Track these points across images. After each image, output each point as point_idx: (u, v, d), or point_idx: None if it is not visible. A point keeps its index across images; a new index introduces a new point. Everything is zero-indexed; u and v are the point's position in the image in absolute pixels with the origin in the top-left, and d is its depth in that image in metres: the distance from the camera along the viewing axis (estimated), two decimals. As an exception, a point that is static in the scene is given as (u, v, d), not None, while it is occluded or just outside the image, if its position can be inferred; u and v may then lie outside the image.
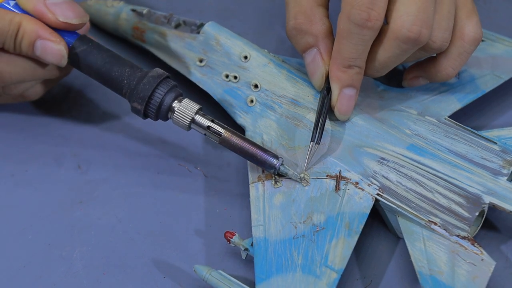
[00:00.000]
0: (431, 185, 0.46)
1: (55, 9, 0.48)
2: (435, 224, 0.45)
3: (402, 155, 0.47)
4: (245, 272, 0.46)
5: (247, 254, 0.45)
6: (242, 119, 0.52)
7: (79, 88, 0.59)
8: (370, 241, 0.48)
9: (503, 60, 0.56)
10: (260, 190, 0.47)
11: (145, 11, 0.58)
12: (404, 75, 0.53)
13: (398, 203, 0.46)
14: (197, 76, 0.54)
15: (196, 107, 0.47)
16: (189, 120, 0.47)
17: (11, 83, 0.51)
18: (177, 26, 0.56)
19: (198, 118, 0.47)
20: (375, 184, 0.47)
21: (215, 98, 0.53)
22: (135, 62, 0.49)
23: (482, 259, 0.43)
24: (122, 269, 0.47)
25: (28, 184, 0.52)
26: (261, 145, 0.49)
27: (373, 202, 0.46)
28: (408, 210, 0.45)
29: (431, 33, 0.46)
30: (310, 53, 0.49)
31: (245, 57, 0.52)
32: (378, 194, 0.46)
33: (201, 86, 0.54)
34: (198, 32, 0.54)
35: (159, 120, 0.49)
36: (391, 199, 0.46)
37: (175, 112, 0.47)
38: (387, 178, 0.47)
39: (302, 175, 0.47)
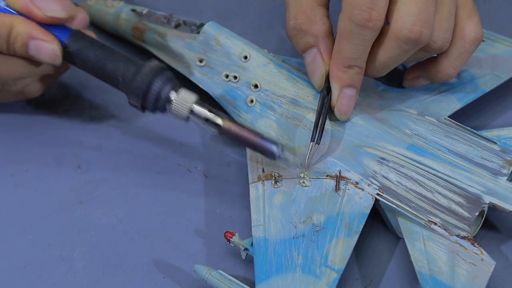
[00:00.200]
0: (431, 185, 0.46)
1: (41, 4, 0.48)
2: (435, 224, 0.45)
3: (402, 155, 0.47)
4: (245, 272, 0.46)
5: (247, 254, 0.45)
6: (242, 119, 0.52)
7: (79, 88, 0.59)
8: (370, 241, 0.48)
9: (503, 60, 0.56)
10: (260, 190, 0.47)
11: (145, 11, 0.58)
12: (404, 76, 0.53)
13: (398, 203, 0.46)
14: (197, 76, 0.54)
15: (193, 96, 0.47)
16: (187, 110, 0.47)
17: (9, 80, 0.51)
18: (177, 26, 0.56)
19: (197, 108, 0.47)
20: (375, 184, 0.47)
21: (215, 98, 0.53)
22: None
23: (482, 259, 0.43)
24: (122, 269, 0.47)
25: (28, 184, 0.52)
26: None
27: (373, 202, 0.46)
28: (408, 210, 0.45)
29: (432, 33, 0.46)
30: (310, 53, 0.49)
31: (245, 57, 0.52)
32: (378, 194, 0.46)
33: (201, 86, 0.54)
34: (198, 32, 0.54)
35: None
36: (391, 199, 0.46)
37: (173, 103, 0.47)
38: (387, 178, 0.47)
39: (302, 170, 0.47)
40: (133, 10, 0.58)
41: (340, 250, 0.44)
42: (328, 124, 0.49)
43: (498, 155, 0.48)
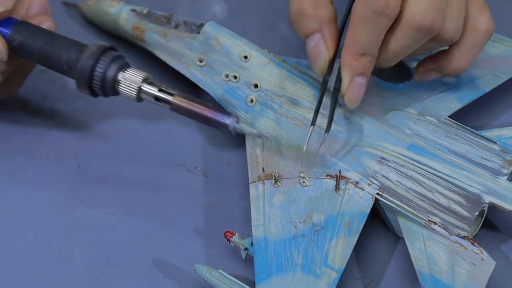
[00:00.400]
0: (431, 185, 0.46)
1: None
2: (435, 223, 0.45)
3: (402, 155, 0.47)
4: (245, 271, 0.46)
5: (247, 253, 0.45)
6: (242, 119, 0.52)
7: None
8: (370, 241, 0.48)
9: (503, 60, 0.56)
10: (260, 189, 0.47)
11: (145, 11, 0.58)
12: (415, 69, 0.52)
13: (398, 202, 0.46)
14: (197, 76, 0.54)
15: (141, 75, 0.45)
16: (136, 90, 0.45)
17: None
18: (177, 26, 0.56)
19: (145, 87, 0.45)
20: (375, 184, 0.47)
21: (215, 97, 0.53)
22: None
23: (482, 259, 0.43)
24: (122, 269, 0.47)
25: (28, 184, 0.52)
26: (261, 144, 0.49)
27: (373, 201, 0.46)
28: (408, 210, 0.45)
29: (443, 23, 0.45)
30: (313, 38, 0.48)
31: (245, 57, 0.52)
32: (378, 194, 0.46)
33: (201, 86, 0.54)
34: (198, 32, 0.54)
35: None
36: (391, 198, 0.46)
37: (121, 84, 0.46)
38: (387, 178, 0.47)
39: (262, 133, 0.46)
40: (133, 10, 0.58)
41: (340, 250, 0.44)
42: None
43: (498, 155, 0.48)
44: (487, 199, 0.45)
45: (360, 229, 0.45)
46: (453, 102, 0.52)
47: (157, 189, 0.52)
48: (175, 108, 0.45)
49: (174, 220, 0.50)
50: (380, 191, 0.46)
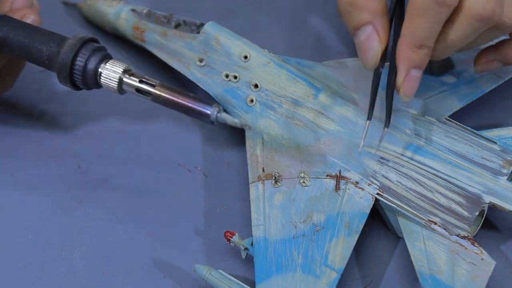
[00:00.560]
0: (431, 185, 0.46)
1: None
2: (435, 223, 0.45)
3: (402, 155, 0.47)
4: (245, 271, 0.46)
5: (247, 253, 0.45)
6: (242, 119, 0.52)
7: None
8: (370, 241, 0.48)
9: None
10: (260, 189, 0.47)
11: (145, 11, 0.58)
12: (475, 61, 0.51)
13: (398, 202, 0.46)
14: (197, 76, 0.54)
15: (122, 66, 0.45)
16: (117, 82, 0.45)
17: None
18: (177, 26, 0.56)
19: (127, 79, 0.45)
20: (375, 184, 0.47)
21: (215, 97, 0.53)
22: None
23: (482, 259, 0.43)
24: (122, 269, 0.47)
25: (28, 184, 0.52)
26: (261, 144, 0.49)
27: (373, 201, 0.46)
28: (408, 210, 0.45)
29: (502, 11, 0.44)
30: (365, 30, 0.46)
31: (245, 57, 0.52)
32: (378, 194, 0.46)
33: (201, 86, 0.54)
34: (198, 32, 0.54)
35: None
36: (391, 198, 0.46)
37: (102, 76, 0.45)
38: (387, 178, 0.47)
39: (244, 122, 0.45)
40: (133, 10, 0.58)
41: (340, 250, 0.44)
42: (328, 124, 0.49)
43: (498, 155, 0.48)
44: (487, 199, 0.45)
45: (360, 229, 0.45)
46: (453, 102, 0.52)
47: (157, 189, 0.52)
48: (156, 99, 0.44)
49: (174, 220, 0.50)
50: (380, 191, 0.46)
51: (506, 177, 0.46)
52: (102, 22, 0.62)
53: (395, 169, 0.47)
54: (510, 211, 0.45)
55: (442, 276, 0.42)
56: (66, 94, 0.59)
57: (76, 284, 0.46)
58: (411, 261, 0.44)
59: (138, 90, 0.44)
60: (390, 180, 0.47)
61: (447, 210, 0.45)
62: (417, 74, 0.46)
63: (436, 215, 0.45)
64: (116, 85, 0.45)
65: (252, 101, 0.52)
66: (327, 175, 0.48)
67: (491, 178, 0.46)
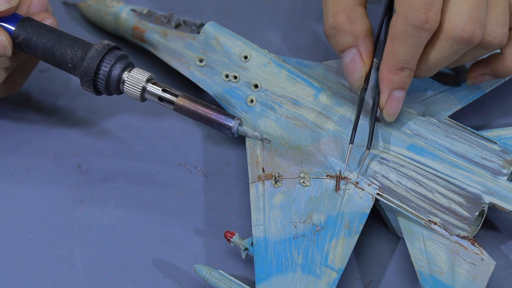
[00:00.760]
0: (431, 185, 0.46)
1: None
2: (435, 223, 0.45)
3: (402, 155, 0.47)
4: (245, 271, 0.46)
5: (247, 253, 0.45)
6: (242, 119, 0.52)
7: (79, 87, 0.59)
8: (370, 241, 0.48)
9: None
10: (260, 189, 0.47)
11: (145, 11, 0.58)
12: (468, 74, 0.52)
13: (398, 202, 0.46)
14: (197, 76, 0.54)
15: (146, 75, 0.46)
16: (140, 89, 0.46)
17: None
18: (177, 26, 0.56)
19: (150, 87, 0.46)
20: (375, 184, 0.47)
21: (215, 98, 0.53)
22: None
23: (482, 259, 0.43)
24: (122, 269, 0.47)
25: (28, 184, 0.52)
26: (261, 144, 0.49)
27: (373, 202, 0.46)
28: (408, 210, 0.45)
29: (484, 32, 0.45)
30: (349, 53, 0.48)
31: (245, 57, 0.52)
32: (378, 194, 0.46)
33: (201, 86, 0.54)
34: (198, 32, 0.54)
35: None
36: (391, 198, 0.46)
37: (125, 83, 0.46)
38: (387, 178, 0.47)
39: (264, 136, 0.46)
40: (133, 10, 0.58)
41: (340, 250, 0.44)
42: (329, 124, 0.49)
43: (498, 155, 0.48)
44: (487, 199, 0.45)
45: (360, 229, 0.45)
46: (453, 102, 0.52)
47: (157, 189, 0.52)
48: (178, 109, 0.46)
49: (174, 220, 0.50)
50: (380, 191, 0.46)
51: (506, 177, 0.46)
52: (102, 22, 0.62)
53: (395, 169, 0.47)
54: (510, 211, 0.45)
55: (442, 276, 0.42)
56: (66, 94, 0.59)
57: (76, 284, 0.46)
58: (411, 261, 0.44)
59: (161, 98, 0.46)
60: (390, 180, 0.47)
61: (447, 210, 0.45)
62: (400, 95, 0.47)
63: (436, 215, 0.45)
64: (139, 93, 0.46)
65: (252, 101, 0.52)
66: (327, 175, 0.48)
67: (491, 178, 0.46)
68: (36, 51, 0.48)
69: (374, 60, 0.49)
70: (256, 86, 0.52)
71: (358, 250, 0.47)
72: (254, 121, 0.51)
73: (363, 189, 0.47)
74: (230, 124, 0.45)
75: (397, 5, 0.45)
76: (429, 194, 0.46)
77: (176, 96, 0.46)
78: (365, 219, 0.45)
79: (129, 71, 0.47)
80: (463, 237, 0.44)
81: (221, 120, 0.46)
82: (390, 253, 0.48)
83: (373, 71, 0.49)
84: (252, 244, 0.45)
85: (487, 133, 0.49)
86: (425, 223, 0.45)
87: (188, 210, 0.50)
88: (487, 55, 0.49)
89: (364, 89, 0.49)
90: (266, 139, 0.46)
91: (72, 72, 0.47)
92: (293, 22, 0.65)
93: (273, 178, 0.48)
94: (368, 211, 0.46)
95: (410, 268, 0.45)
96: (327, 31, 0.48)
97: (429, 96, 0.53)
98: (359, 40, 0.48)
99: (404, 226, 0.45)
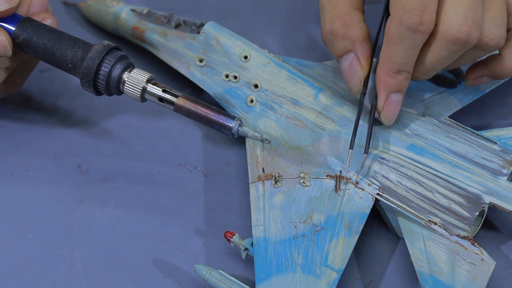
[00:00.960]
0: (431, 185, 0.46)
1: None
2: (435, 224, 0.45)
3: (402, 155, 0.47)
4: (245, 272, 0.46)
5: (247, 254, 0.45)
6: (242, 119, 0.51)
7: (79, 87, 0.59)
8: (370, 241, 0.48)
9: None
10: (260, 189, 0.47)
11: (145, 11, 0.58)
12: (466, 75, 0.52)
13: (398, 203, 0.46)
14: (197, 76, 0.54)
15: (146, 76, 0.46)
16: (140, 90, 0.46)
17: None
18: (177, 26, 0.56)
19: (150, 88, 0.46)
20: (375, 184, 0.47)
21: (215, 98, 0.53)
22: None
23: (482, 259, 0.43)
24: (122, 269, 0.47)
25: (28, 184, 0.52)
26: (261, 144, 0.49)
27: (373, 202, 0.46)
28: (408, 210, 0.45)
29: (480, 34, 0.45)
30: (347, 58, 0.48)
31: (245, 57, 0.52)
32: (378, 194, 0.46)
33: (201, 86, 0.54)
34: (198, 32, 0.54)
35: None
36: (391, 199, 0.46)
37: (126, 84, 0.46)
38: (387, 178, 0.47)
39: (264, 137, 0.46)
40: (133, 10, 0.58)
41: (340, 250, 0.44)
42: (329, 124, 0.49)
43: (498, 155, 0.48)
44: (487, 199, 0.45)
45: (360, 230, 0.45)
46: (453, 102, 0.52)
47: (157, 189, 0.52)
48: (179, 109, 0.46)
49: (174, 220, 0.50)
50: (380, 191, 0.46)
51: (506, 177, 0.46)
52: (102, 22, 0.62)
53: (395, 169, 0.47)
54: (510, 211, 0.45)
55: (442, 276, 0.42)
56: (66, 94, 0.59)
57: (76, 284, 0.46)
58: (411, 261, 0.44)
59: (161, 99, 0.46)
60: (390, 180, 0.47)
61: (447, 210, 0.45)
62: (397, 98, 0.47)
63: (436, 215, 0.45)
64: (139, 93, 0.46)
65: (252, 101, 0.52)
66: (327, 175, 0.48)
67: (491, 178, 0.46)
68: (36, 51, 0.48)
69: (374, 60, 0.49)
70: (256, 86, 0.52)
71: (358, 250, 0.47)
72: (254, 121, 0.51)
73: (363, 189, 0.47)
74: (230, 124, 0.45)
75: (392, 7, 0.45)
76: (429, 194, 0.46)
77: (176, 96, 0.46)
78: (365, 219, 0.45)
79: (129, 72, 0.47)
80: (463, 237, 0.44)
81: (221, 120, 0.46)
82: (390, 253, 0.48)
83: (371, 75, 0.49)
84: (252, 244, 0.45)
85: (487, 133, 0.49)
86: (425, 223, 0.45)
87: (188, 210, 0.50)
88: (485, 56, 0.49)
89: (363, 93, 0.49)
90: (266, 139, 0.46)
91: (72, 72, 0.48)
92: (293, 22, 0.65)
93: (273, 178, 0.48)
94: (368, 211, 0.46)
95: (410, 268, 0.45)
96: (325, 37, 0.48)
97: (429, 96, 0.53)
98: (356, 44, 0.47)
99: (404, 226, 0.45)
